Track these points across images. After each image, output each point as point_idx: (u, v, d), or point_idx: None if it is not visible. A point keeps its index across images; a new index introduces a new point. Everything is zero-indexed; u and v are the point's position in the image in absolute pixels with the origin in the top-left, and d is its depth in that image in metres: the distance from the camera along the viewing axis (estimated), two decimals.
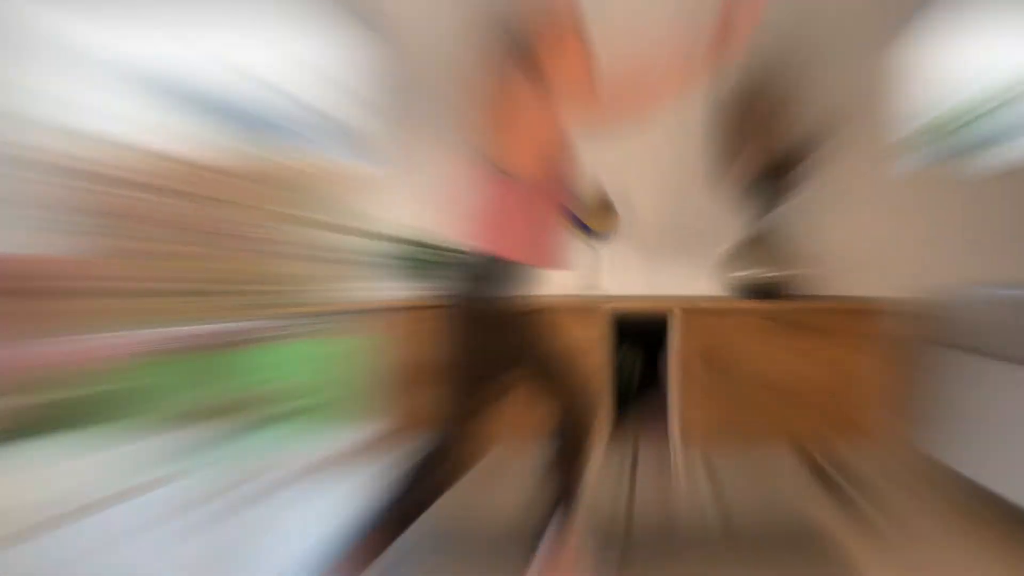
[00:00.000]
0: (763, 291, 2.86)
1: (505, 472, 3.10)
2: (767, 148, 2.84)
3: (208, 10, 3.23)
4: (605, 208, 2.83)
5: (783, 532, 2.50)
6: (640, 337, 2.95)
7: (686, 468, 3.14)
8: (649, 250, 3.11)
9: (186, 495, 2.81)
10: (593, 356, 2.74)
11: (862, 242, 3.09)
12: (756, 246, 2.90)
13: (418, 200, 3.12)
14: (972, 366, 2.61)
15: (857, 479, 3.05)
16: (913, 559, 2.27)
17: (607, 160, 3.06)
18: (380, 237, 3.08)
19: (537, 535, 2.05)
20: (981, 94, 3.23)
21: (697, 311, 2.74)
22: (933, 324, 2.98)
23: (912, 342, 3.04)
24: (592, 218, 2.82)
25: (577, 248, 3.08)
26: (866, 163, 3.05)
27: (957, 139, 3.12)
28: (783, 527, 2.55)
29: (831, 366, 2.73)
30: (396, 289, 3.00)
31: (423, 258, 2.85)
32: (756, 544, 2.39)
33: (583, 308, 2.75)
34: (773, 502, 2.79)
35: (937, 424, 2.85)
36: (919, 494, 2.88)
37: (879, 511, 2.69)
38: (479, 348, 2.05)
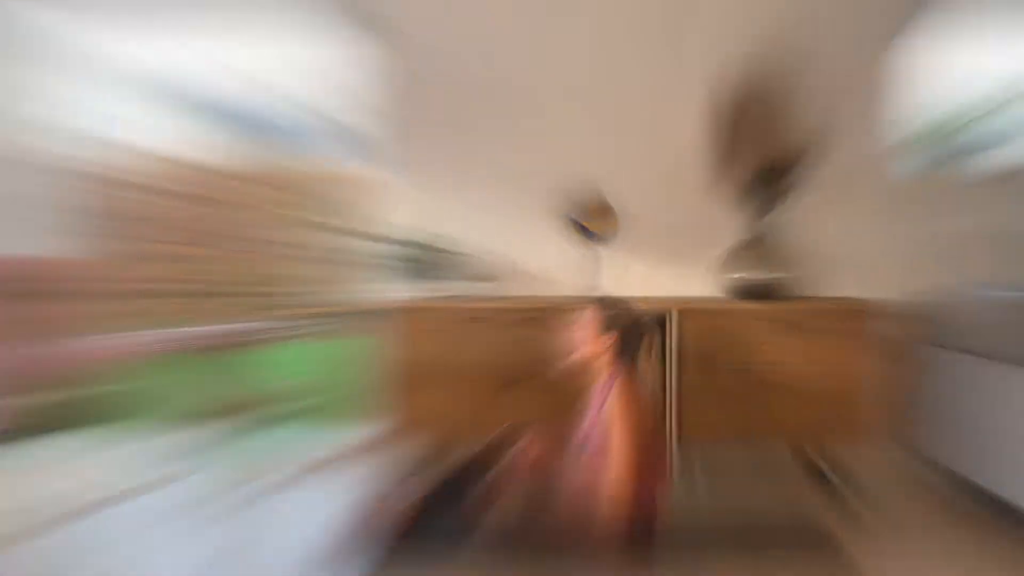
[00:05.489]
0: (758, 292, 2.95)
1: None
2: (763, 152, 2.94)
3: (216, 15, 3.33)
4: (605, 212, 2.93)
5: (776, 528, 2.58)
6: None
7: (682, 463, 3.22)
8: (648, 252, 3.21)
9: (192, 494, 2.89)
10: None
11: (857, 244, 3.18)
12: (752, 248, 2.99)
13: (421, 202, 3.22)
14: (963, 365, 2.70)
15: (850, 477, 3.13)
16: (904, 554, 2.35)
17: (607, 164, 3.16)
18: (385, 239, 3.18)
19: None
20: (974, 98, 3.34)
21: (694, 311, 2.83)
22: (925, 325, 3.07)
23: (906, 342, 3.13)
24: (593, 222, 2.92)
25: (580, 251, 3.17)
26: (862, 166, 3.15)
27: (951, 142, 3.22)
28: (776, 523, 2.63)
29: (825, 365, 2.82)
30: (400, 290, 3.09)
31: (425, 259, 2.95)
32: (750, 539, 2.46)
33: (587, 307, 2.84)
34: (766, 498, 2.87)
35: (930, 422, 2.93)
36: (910, 491, 2.95)
37: (872, 508, 2.77)
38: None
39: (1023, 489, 2.33)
